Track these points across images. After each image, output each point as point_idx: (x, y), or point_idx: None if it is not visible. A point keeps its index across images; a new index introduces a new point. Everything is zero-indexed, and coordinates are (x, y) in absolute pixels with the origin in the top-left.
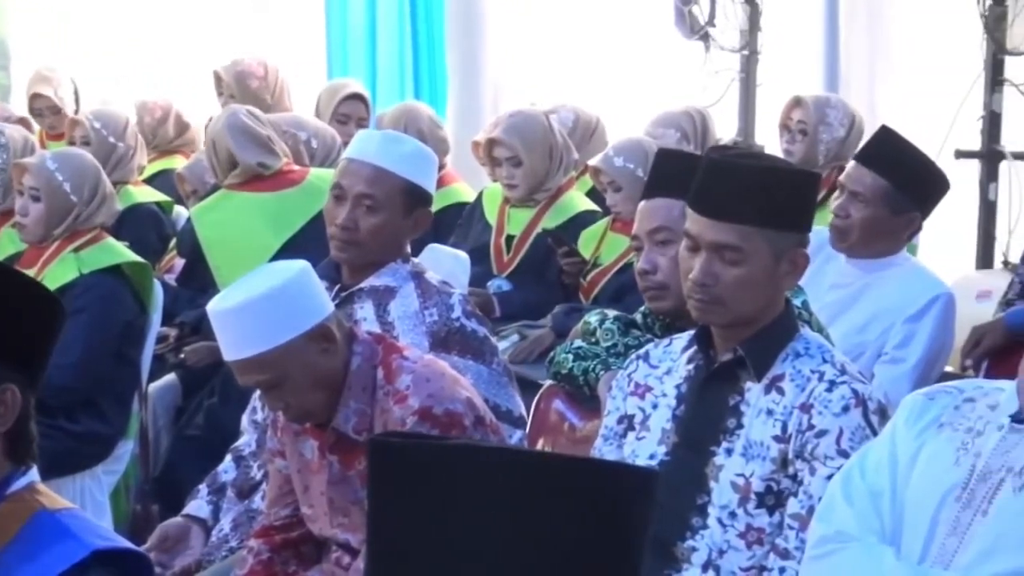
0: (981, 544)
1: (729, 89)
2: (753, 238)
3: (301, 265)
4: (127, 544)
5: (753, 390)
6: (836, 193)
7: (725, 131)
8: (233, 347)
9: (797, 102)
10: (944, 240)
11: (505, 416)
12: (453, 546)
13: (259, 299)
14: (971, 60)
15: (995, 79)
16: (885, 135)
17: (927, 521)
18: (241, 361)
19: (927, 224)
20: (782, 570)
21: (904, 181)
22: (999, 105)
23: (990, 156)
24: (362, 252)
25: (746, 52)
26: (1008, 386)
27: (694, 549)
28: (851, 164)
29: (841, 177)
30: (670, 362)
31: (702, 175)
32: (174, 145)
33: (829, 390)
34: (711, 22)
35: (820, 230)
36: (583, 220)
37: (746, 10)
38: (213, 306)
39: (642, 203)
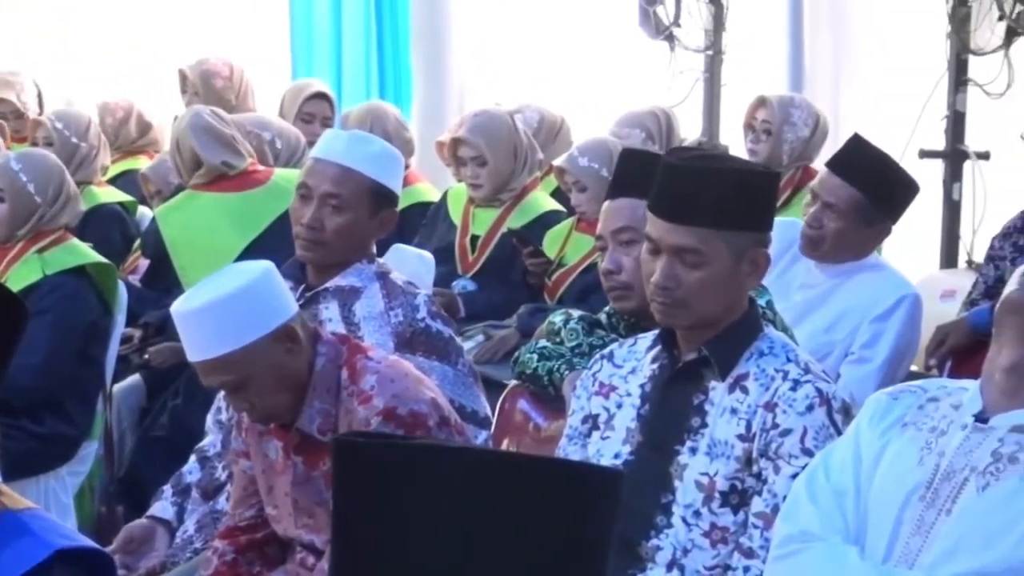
0: (945, 543)
1: (694, 89)
2: (713, 240)
3: (265, 266)
4: (90, 543)
5: (717, 389)
6: (808, 199)
7: (690, 131)
8: (197, 348)
9: (761, 102)
10: (908, 240)
11: (470, 417)
12: (417, 546)
13: (224, 300)
14: (935, 60)
15: (959, 79)
16: (857, 143)
17: (891, 520)
18: (205, 362)
19: None
20: (746, 569)
21: (878, 193)
22: (963, 105)
23: (954, 156)
24: (327, 252)
25: (710, 52)
26: (972, 385)
27: (659, 548)
28: (824, 172)
29: (813, 185)
30: (634, 362)
31: (660, 179)
32: (137, 145)
33: (793, 389)
34: (676, 22)
35: (793, 222)
36: (548, 220)
37: (711, 10)
38: (178, 307)
39: (606, 203)
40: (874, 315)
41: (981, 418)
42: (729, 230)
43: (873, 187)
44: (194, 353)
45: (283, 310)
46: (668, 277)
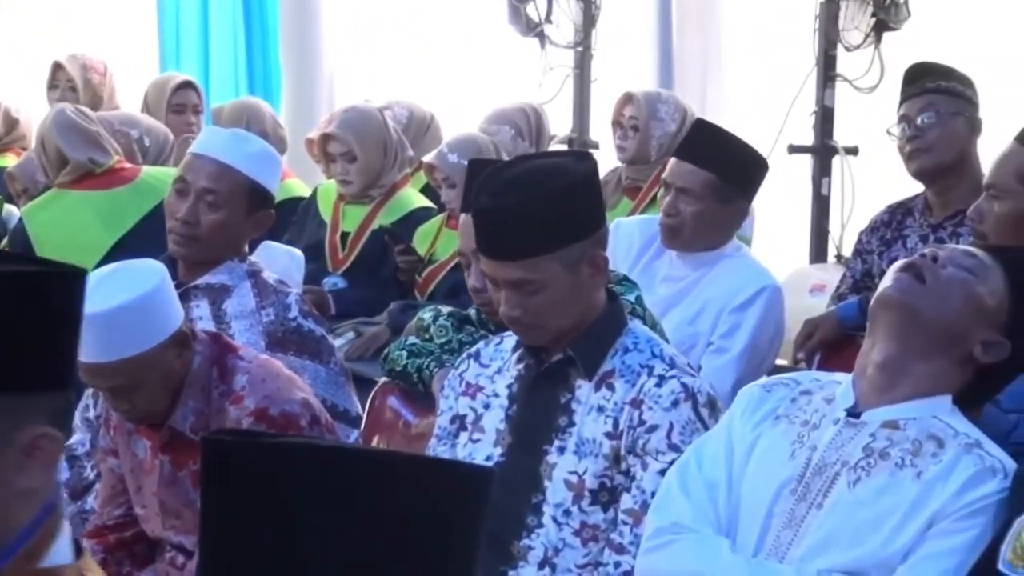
0: (815, 537)
1: (564, 85)
2: (543, 265)
3: (159, 269)
4: None
5: (584, 388)
6: (662, 192)
7: (560, 127)
8: (91, 351)
9: (628, 98)
10: (778, 235)
11: (342, 416)
12: (287, 545)
13: (125, 307)
14: (804, 56)
15: (827, 75)
16: (701, 127)
17: (762, 513)
18: (97, 365)
19: (761, 219)
20: (617, 565)
21: (728, 171)
22: (831, 100)
23: (823, 151)
24: (201, 248)
25: (580, 49)
26: (844, 379)
27: (530, 548)
28: (672, 161)
29: (665, 176)
30: (500, 361)
31: (475, 221)
32: (4, 143)
33: (659, 385)
34: (548, 18)
35: (652, 219)
36: (418, 217)
37: (581, 6)
38: None
39: (463, 217)
40: (733, 305)
41: (853, 413)
42: (556, 251)
43: (723, 165)
44: (87, 355)
45: (176, 315)
46: (513, 307)
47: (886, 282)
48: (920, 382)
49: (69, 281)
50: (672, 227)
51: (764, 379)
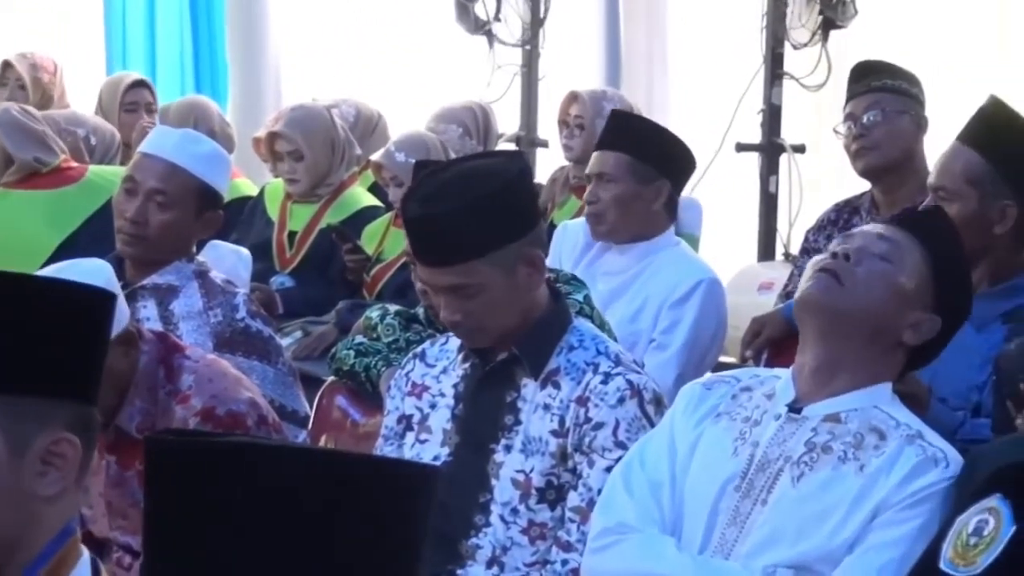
0: (760, 534)
1: (513, 84)
2: (478, 268)
3: (105, 269)
4: None
5: (529, 386)
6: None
7: (509, 125)
8: None
9: (574, 97)
10: (726, 232)
11: (290, 416)
12: (230, 545)
13: None
14: (751, 54)
15: (775, 73)
16: (616, 116)
17: (707, 511)
18: None
19: (709, 217)
20: (564, 562)
21: (643, 151)
22: (779, 98)
23: (770, 149)
24: (149, 248)
25: (528, 47)
26: (784, 374)
27: (478, 547)
28: (593, 155)
29: (587, 171)
30: (446, 360)
31: (407, 228)
32: None
33: (604, 382)
34: (496, 16)
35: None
36: (366, 215)
37: (528, 4)
38: None
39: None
40: (672, 301)
41: (794, 408)
42: (490, 253)
43: (637, 145)
44: None
45: (123, 315)
46: (453, 312)
47: (805, 282)
48: (857, 375)
49: (102, 300)
50: (595, 215)
51: (705, 377)
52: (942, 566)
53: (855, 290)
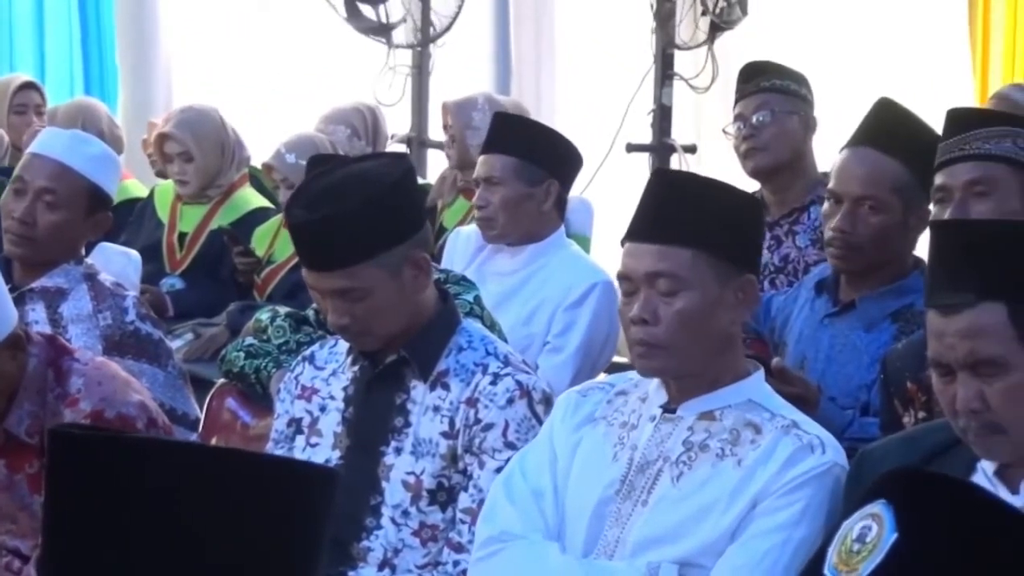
0: (641, 534)
1: (408, 86)
2: (363, 272)
3: None
4: None
5: (419, 388)
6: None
7: (400, 127)
8: None
9: (444, 108)
10: (618, 232)
11: (180, 419)
12: (129, 542)
13: None
14: (642, 55)
15: (665, 73)
16: (498, 118)
17: (589, 515)
18: None
19: (600, 217)
20: (456, 563)
21: (529, 152)
22: (669, 99)
23: (661, 149)
24: (37, 249)
25: (419, 48)
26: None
27: (370, 549)
28: (480, 158)
29: (474, 175)
30: (336, 363)
31: (291, 234)
32: None
33: (493, 383)
34: (386, 19)
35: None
36: (256, 217)
37: (419, 5)
38: None
39: None
40: (567, 304)
41: (668, 408)
42: (375, 256)
43: (522, 146)
44: None
45: (9, 318)
46: (340, 316)
47: (630, 332)
48: (721, 374)
49: None
50: (485, 219)
51: (581, 385)
52: (826, 571)
53: (675, 336)
